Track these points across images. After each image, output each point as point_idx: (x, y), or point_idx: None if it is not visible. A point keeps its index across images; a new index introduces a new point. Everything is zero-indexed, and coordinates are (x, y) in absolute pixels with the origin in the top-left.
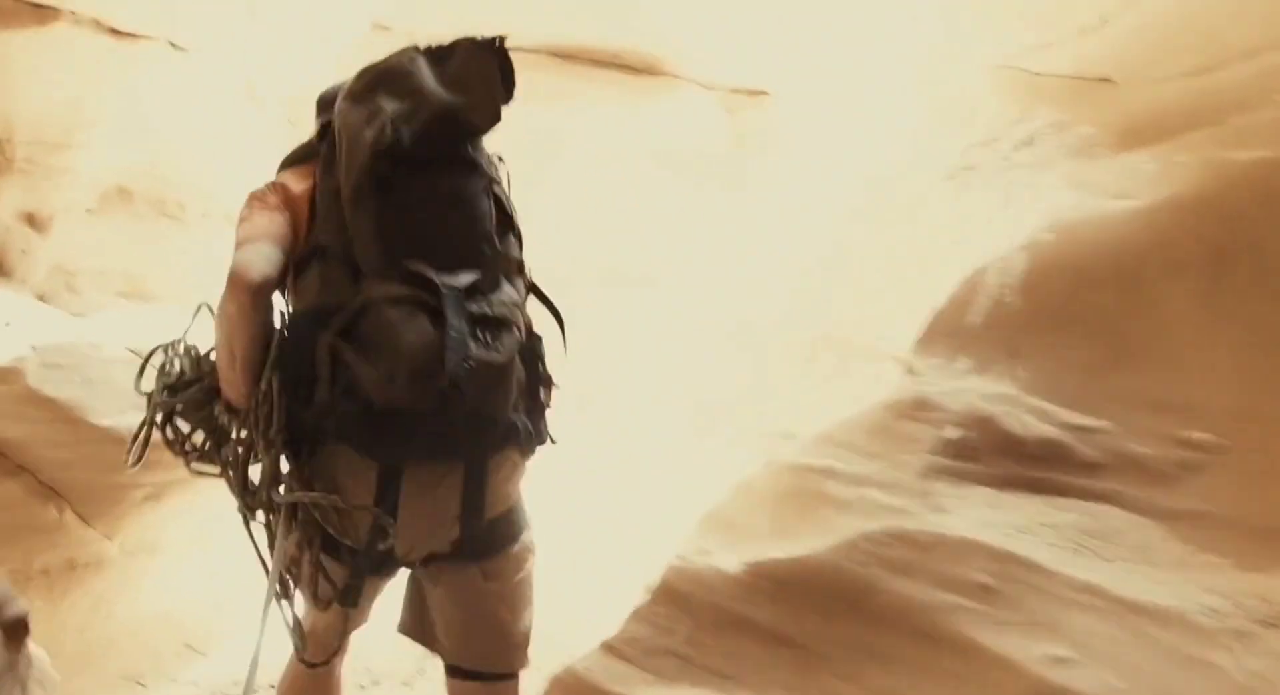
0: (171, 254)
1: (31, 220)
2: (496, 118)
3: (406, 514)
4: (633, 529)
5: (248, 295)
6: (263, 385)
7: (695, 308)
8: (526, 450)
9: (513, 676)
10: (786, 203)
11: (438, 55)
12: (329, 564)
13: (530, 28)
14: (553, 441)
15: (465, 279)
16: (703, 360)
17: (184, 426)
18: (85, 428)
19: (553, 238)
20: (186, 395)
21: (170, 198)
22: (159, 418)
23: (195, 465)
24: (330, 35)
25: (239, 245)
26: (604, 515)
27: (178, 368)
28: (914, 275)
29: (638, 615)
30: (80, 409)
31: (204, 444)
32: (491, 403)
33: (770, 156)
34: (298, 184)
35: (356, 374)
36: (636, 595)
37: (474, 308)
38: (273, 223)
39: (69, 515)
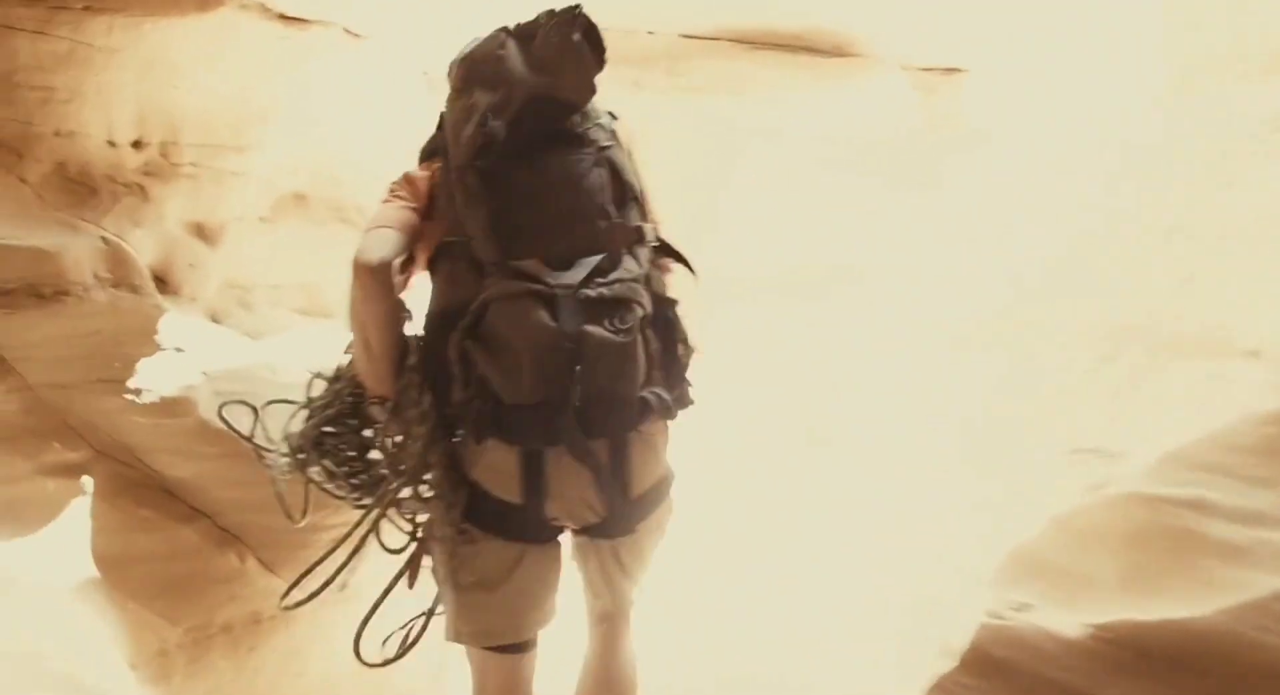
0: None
1: (200, 231)
2: (590, 91)
3: (554, 490)
4: (893, 572)
5: (367, 277)
6: (409, 363)
7: (921, 306)
8: (665, 419)
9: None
10: (1003, 184)
11: (524, 34)
12: (492, 541)
13: (708, 13)
14: (692, 403)
15: (581, 265)
16: (947, 366)
17: (334, 455)
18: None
19: (746, 243)
20: (330, 412)
21: (348, 201)
22: (307, 450)
23: (354, 495)
24: (507, 20)
25: (363, 233)
26: (855, 556)
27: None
28: (1249, 250)
29: (943, 687)
30: (259, 442)
31: (357, 462)
32: (620, 383)
33: (972, 136)
34: (423, 174)
35: (484, 374)
36: (922, 654)
37: (592, 292)
38: (395, 208)
39: (251, 563)
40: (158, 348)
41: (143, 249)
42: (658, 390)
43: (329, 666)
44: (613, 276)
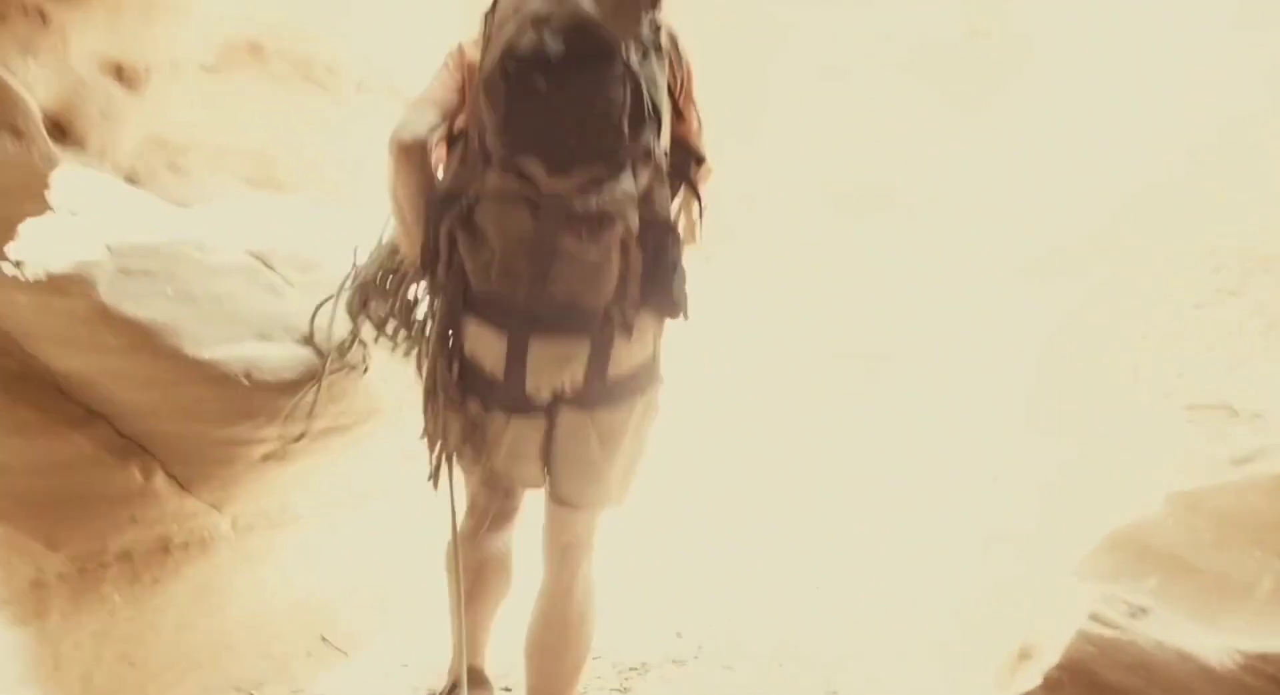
0: (314, 132)
1: (118, 72)
2: (635, 28)
3: (533, 361)
4: (942, 537)
5: (399, 153)
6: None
7: (984, 227)
8: (624, 337)
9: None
10: (1070, 94)
11: None
12: (480, 409)
13: None
14: (685, 317)
15: (578, 173)
16: (1015, 297)
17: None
18: (182, 361)
19: (786, 148)
20: (378, 268)
21: (318, 59)
22: (356, 301)
23: (401, 344)
24: None
25: (409, 105)
26: (895, 517)
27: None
28: None
29: None
30: (175, 334)
31: (399, 314)
32: (583, 295)
33: (1024, 42)
34: (474, 52)
35: (462, 260)
36: (992, 661)
37: (578, 204)
38: (443, 86)
39: (160, 480)
40: (48, 209)
41: (36, 86)
42: (625, 307)
43: (257, 600)
44: (605, 191)
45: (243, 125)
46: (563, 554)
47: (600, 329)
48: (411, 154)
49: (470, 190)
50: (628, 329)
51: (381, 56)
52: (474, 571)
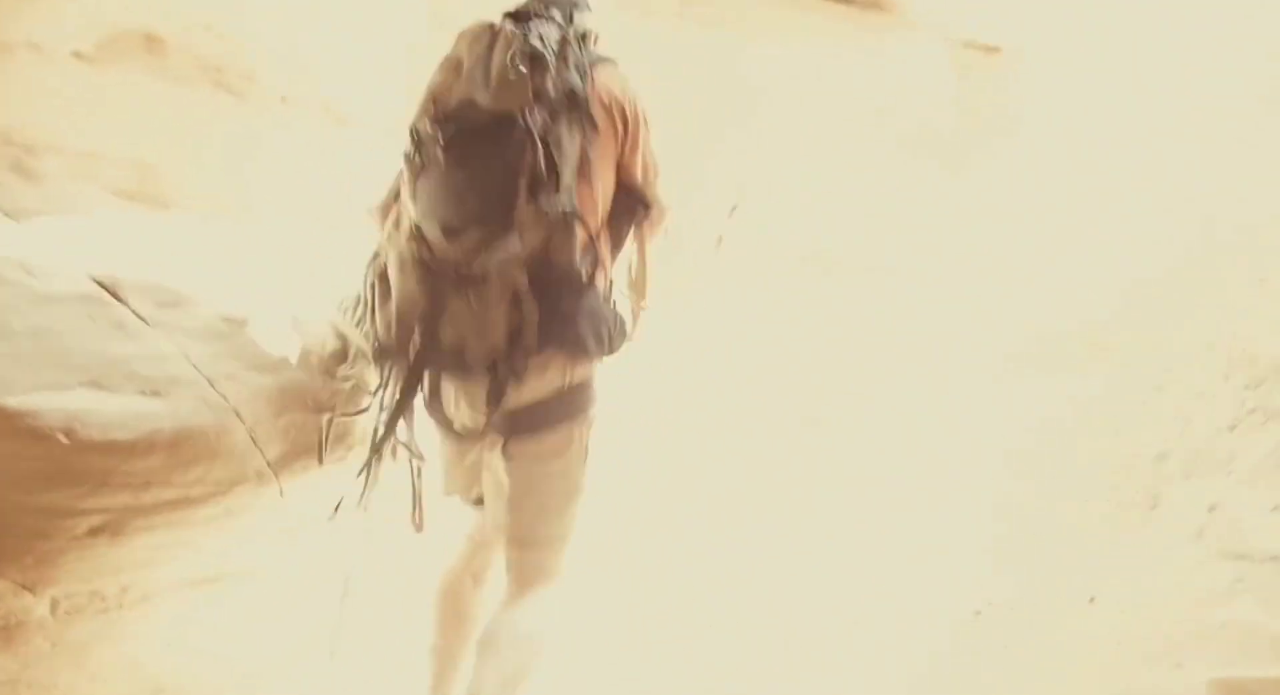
0: (218, 143)
1: None
2: (524, 102)
3: (451, 401)
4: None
5: (370, 218)
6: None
7: (966, 308)
8: (514, 383)
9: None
10: (1069, 174)
11: (492, 37)
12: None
13: None
14: (611, 352)
15: (466, 239)
16: (998, 392)
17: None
18: None
19: (751, 205)
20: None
21: (233, 63)
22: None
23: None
24: None
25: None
26: (908, 525)
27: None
28: None
29: None
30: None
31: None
32: (469, 347)
33: (1013, 123)
34: None
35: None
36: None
37: (464, 267)
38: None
39: None
40: None
41: None
42: (514, 357)
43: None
44: (491, 252)
45: (121, 128)
46: (516, 582)
47: (494, 376)
48: (373, 220)
49: (387, 252)
50: (517, 377)
51: (311, 68)
52: (454, 614)
